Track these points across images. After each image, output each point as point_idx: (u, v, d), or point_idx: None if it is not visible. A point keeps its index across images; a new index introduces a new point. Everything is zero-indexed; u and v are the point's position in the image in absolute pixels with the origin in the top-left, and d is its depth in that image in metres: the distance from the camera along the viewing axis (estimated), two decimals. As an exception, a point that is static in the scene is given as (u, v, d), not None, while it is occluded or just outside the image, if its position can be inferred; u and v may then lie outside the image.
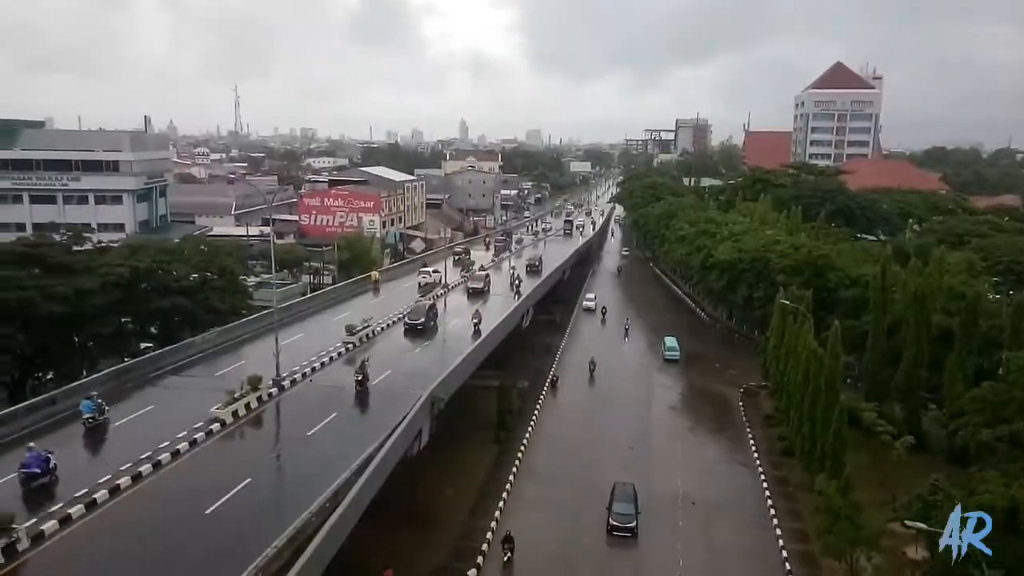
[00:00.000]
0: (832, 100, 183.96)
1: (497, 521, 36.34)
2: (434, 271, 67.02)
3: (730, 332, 78.46)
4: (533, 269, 77.06)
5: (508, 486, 40.16)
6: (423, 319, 50.02)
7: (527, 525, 36.00)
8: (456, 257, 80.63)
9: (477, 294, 62.51)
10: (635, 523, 35.39)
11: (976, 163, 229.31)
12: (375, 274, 67.09)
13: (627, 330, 74.20)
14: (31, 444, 26.53)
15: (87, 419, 30.80)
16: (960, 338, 44.72)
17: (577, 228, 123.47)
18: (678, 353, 64.98)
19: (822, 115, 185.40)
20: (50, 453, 26.12)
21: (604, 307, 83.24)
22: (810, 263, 62.30)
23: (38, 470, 25.37)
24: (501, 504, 38.07)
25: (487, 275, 66.84)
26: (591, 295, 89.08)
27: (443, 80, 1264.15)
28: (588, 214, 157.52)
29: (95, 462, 27.88)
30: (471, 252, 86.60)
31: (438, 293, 61.58)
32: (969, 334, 44.54)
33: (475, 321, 50.76)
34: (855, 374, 55.06)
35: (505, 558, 32.53)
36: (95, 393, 32.33)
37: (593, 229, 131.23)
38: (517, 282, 64.98)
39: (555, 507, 38.58)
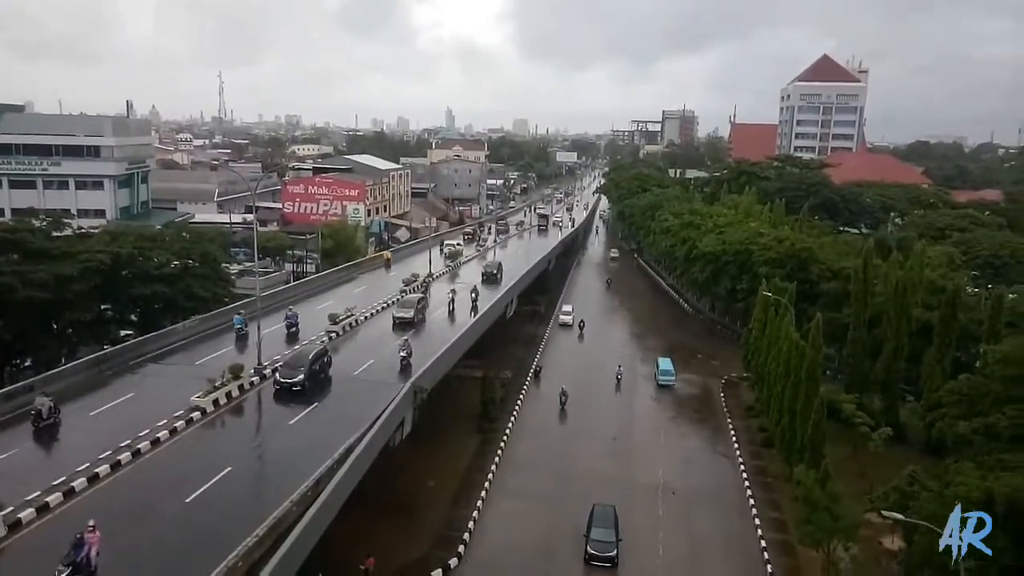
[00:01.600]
0: (818, 93, 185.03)
1: (479, 511, 36.48)
2: (457, 244, 79.52)
3: (713, 324, 78.93)
4: (490, 278, 64.91)
5: (490, 475, 40.29)
6: (301, 376, 34.85)
7: (508, 514, 36.26)
8: (467, 236, 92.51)
9: (406, 326, 47.79)
10: (615, 551, 32.55)
11: (959, 157, 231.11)
12: (387, 254, 76.24)
13: (619, 380, 57.44)
14: (291, 307, 46.34)
15: (238, 329, 43.07)
16: (939, 331, 45.23)
17: (555, 224, 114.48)
18: (673, 378, 57.61)
19: (808, 108, 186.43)
20: (297, 313, 45.61)
21: (582, 321, 73.77)
22: (793, 255, 62.69)
23: (295, 322, 44.71)
24: (483, 494, 38.20)
25: (421, 299, 51.83)
26: (568, 308, 77.26)
27: (431, 68, 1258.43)
28: (569, 209, 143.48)
29: (76, 451, 27.63)
30: (480, 231, 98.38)
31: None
32: (948, 327, 45.04)
33: (403, 355, 39.33)
34: (835, 366, 55.66)
35: None
36: (243, 311, 44.41)
37: (572, 226, 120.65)
38: (473, 295, 55.09)
39: (537, 496, 38.79)
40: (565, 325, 73.63)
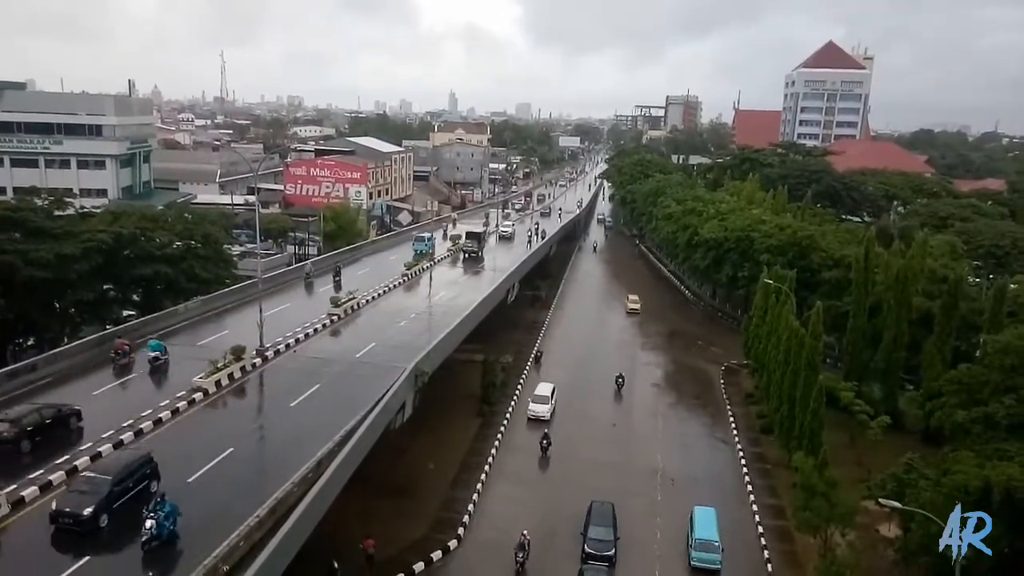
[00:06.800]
0: (822, 80, 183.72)
1: (479, 493, 36.69)
2: (527, 199, 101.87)
3: (713, 311, 78.96)
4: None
5: (490, 459, 40.48)
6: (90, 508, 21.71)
7: (508, 498, 36.48)
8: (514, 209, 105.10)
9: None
10: (613, 550, 31.10)
11: (962, 146, 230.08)
12: (454, 215, 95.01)
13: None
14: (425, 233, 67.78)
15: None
16: (939, 320, 45.24)
17: (505, 238, 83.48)
18: (719, 558, 31.42)
19: (812, 94, 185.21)
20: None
21: (546, 437, 42.21)
22: (794, 243, 62.61)
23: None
24: (483, 477, 38.43)
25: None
26: (544, 390, 48.32)
27: (435, 51, 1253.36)
28: (545, 214, 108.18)
29: (78, 431, 27.78)
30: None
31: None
32: (948, 316, 45.03)
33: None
34: (835, 354, 55.73)
35: None
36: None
37: (541, 238, 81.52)
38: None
39: (536, 481, 39.01)
40: (538, 420, 46.08)
